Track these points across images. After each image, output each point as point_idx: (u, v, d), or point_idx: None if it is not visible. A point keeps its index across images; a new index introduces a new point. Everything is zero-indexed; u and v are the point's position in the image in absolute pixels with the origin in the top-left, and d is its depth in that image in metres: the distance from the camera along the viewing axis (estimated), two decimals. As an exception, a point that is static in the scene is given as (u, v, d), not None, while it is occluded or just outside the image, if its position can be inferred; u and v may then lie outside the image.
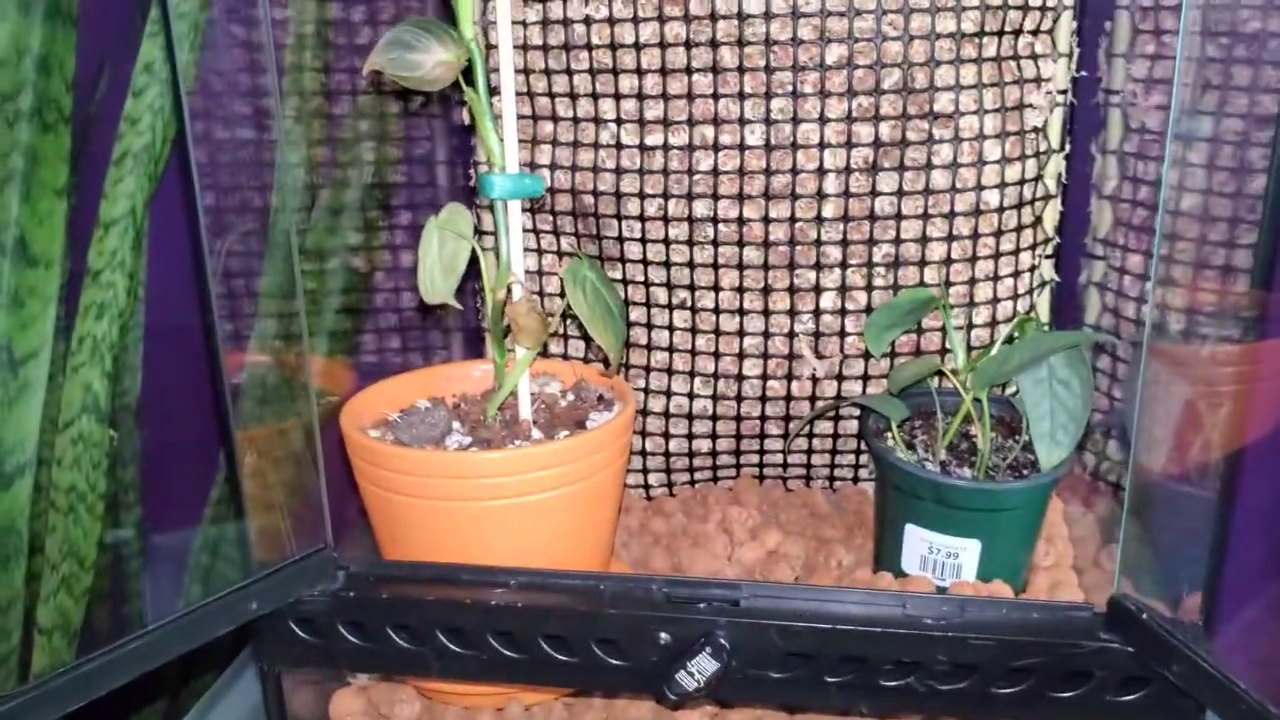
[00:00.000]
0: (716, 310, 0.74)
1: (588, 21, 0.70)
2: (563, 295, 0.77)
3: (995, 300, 0.74)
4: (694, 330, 0.75)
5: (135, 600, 0.85)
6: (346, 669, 0.63)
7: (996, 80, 0.70)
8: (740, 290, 0.73)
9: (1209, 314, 0.61)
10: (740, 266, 0.72)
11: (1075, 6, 0.72)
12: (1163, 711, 0.50)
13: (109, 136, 0.73)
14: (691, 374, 0.77)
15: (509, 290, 0.62)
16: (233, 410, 0.59)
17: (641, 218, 0.73)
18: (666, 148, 0.71)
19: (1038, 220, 0.75)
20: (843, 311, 0.73)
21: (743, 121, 0.69)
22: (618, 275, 0.76)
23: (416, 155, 0.84)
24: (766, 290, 0.73)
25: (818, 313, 0.73)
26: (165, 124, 0.72)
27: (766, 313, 0.73)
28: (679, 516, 0.78)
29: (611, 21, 0.70)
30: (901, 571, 0.67)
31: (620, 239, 0.74)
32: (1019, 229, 0.74)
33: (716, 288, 0.73)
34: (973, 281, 0.73)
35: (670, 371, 0.77)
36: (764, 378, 0.75)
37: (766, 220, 0.71)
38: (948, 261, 0.72)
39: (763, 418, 0.77)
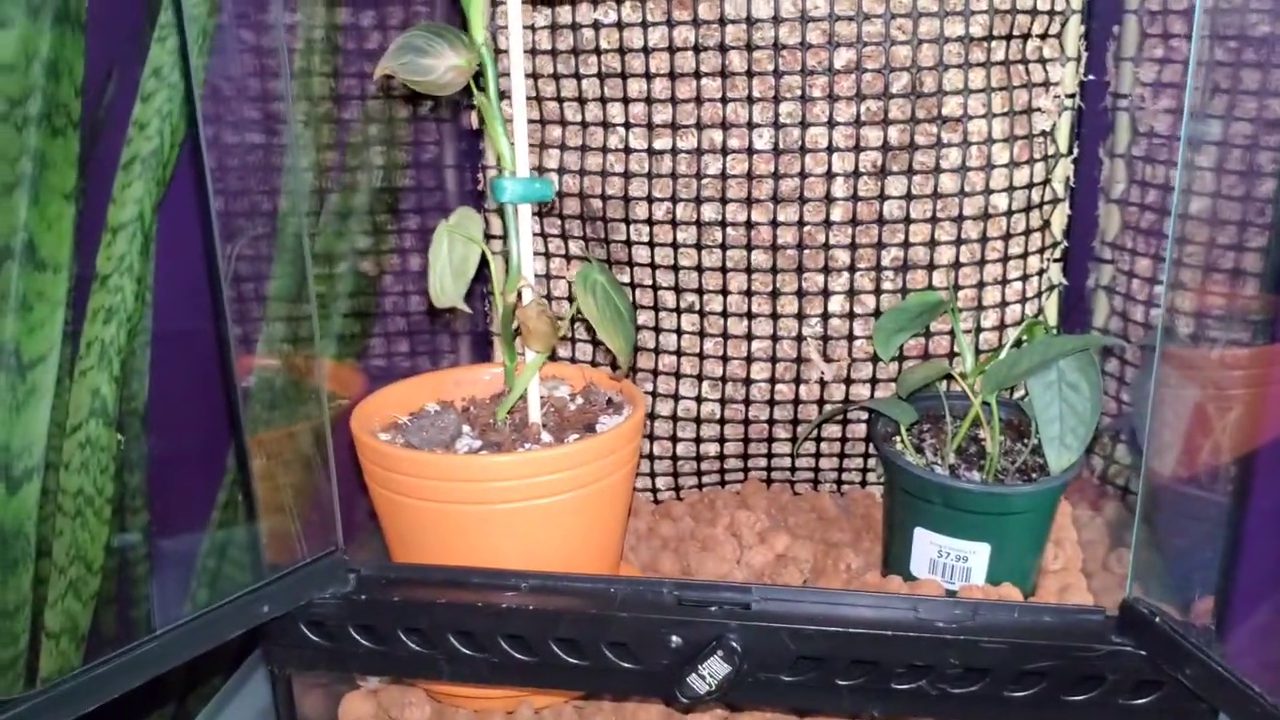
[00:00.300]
0: (724, 314, 0.74)
1: (596, 26, 0.70)
2: (570, 299, 0.77)
3: (1003, 304, 0.74)
4: (702, 334, 0.75)
5: (142, 604, 0.85)
6: (357, 672, 0.63)
7: (1005, 84, 0.70)
8: (748, 294, 0.73)
9: (1220, 317, 0.61)
10: (748, 270, 0.73)
11: (1083, 11, 0.72)
12: (1175, 715, 0.50)
13: (117, 141, 0.73)
14: (699, 377, 0.77)
15: (519, 294, 0.62)
16: (245, 414, 0.59)
17: (649, 221, 0.73)
18: (675, 151, 0.71)
19: (1046, 224, 0.75)
20: (851, 315, 0.73)
21: (751, 125, 0.69)
22: (625, 279, 0.76)
23: (425, 159, 0.84)
24: (774, 294, 0.73)
25: (826, 316, 0.73)
26: (174, 129, 0.73)
27: (774, 316, 0.73)
28: (687, 520, 0.78)
29: (620, 26, 0.70)
30: (911, 575, 0.67)
31: (628, 242, 0.75)
32: (1027, 233, 0.74)
33: (724, 291, 0.74)
34: (981, 285, 0.73)
35: (678, 375, 0.77)
36: (772, 381, 0.75)
37: (774, 224, 0.71)
38: (956, 265, 0.72)
39: (770, 421, 0.77)
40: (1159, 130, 0.72)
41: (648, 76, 0.70)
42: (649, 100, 0.71)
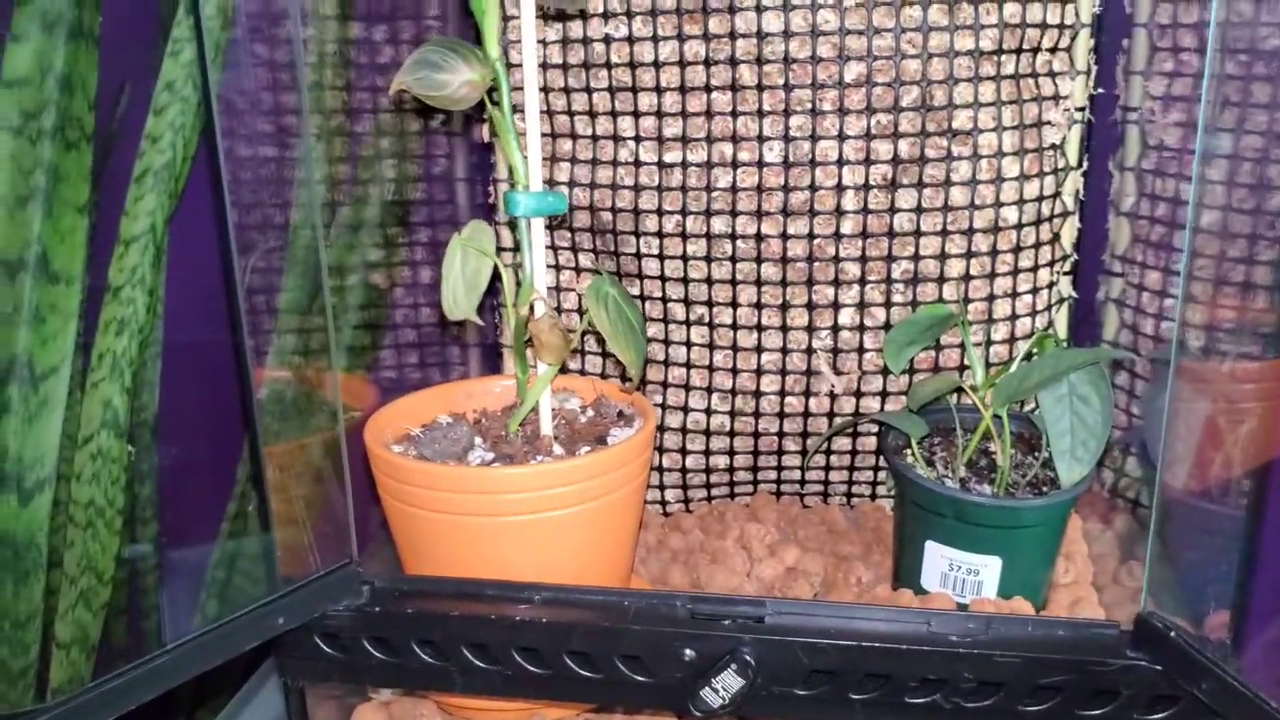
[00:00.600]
0: (734, 326, 0.74)
1: (607, 40, 0.71)
2: (580, 312, 0.78)
3: (1014, 317, 0.74)
4: (711, 346, 0.76)
5: (152, 615, 0.85)
6: (371, 684, 0.63)
7: (1015, 98, 0.70)
8: (758, 306, 0.73)
9: (1233, 330, 0.62)
10: (758, 283, 0.73)
11: (1093, 25, 0.73)
12: (1191, 729, 0.50)
13: (129, 154, 0.74)
14: (709, 390, 0.77)
15: (531, 307, 0.63)
16: (261, 425, 0.59)
17: (659, 234, 0.73)
18: (685, 165, 0.71)
19: (1056, 237, 0.75)
20: (861, 328, 0.73)
21: (761, 139, 0.70)
22: (635, 291, 0.76)
23: (435, 172, 0.84)
24: (784, 306, 0.73)
25: (836, 329, 0.73)
26: (186, 142, 0.73)
27: (784, 329, 0.74)
28: (696, 533, 0.78)
29: (631, 40, 0.70)
30: (921, 589, 0.67)
31: (638, 255, 0.75)
32: (1037, 246, 0.74)
33: (734, 304, 0.74)
34: (991, 298, 0.73)
35: (688, 388, 0.77)
36: (782, 394, 0.75)
37: (785, 237, 0.71)
38: (966, 278, 0.72)
39: (780, 434, 0.77)
40: (1169, 143, 0.72)
41: (658, 90, 0.71)
42: (659, 114, 0.71)
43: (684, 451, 0.79)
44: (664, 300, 0.76)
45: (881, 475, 0.80)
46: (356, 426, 0.64)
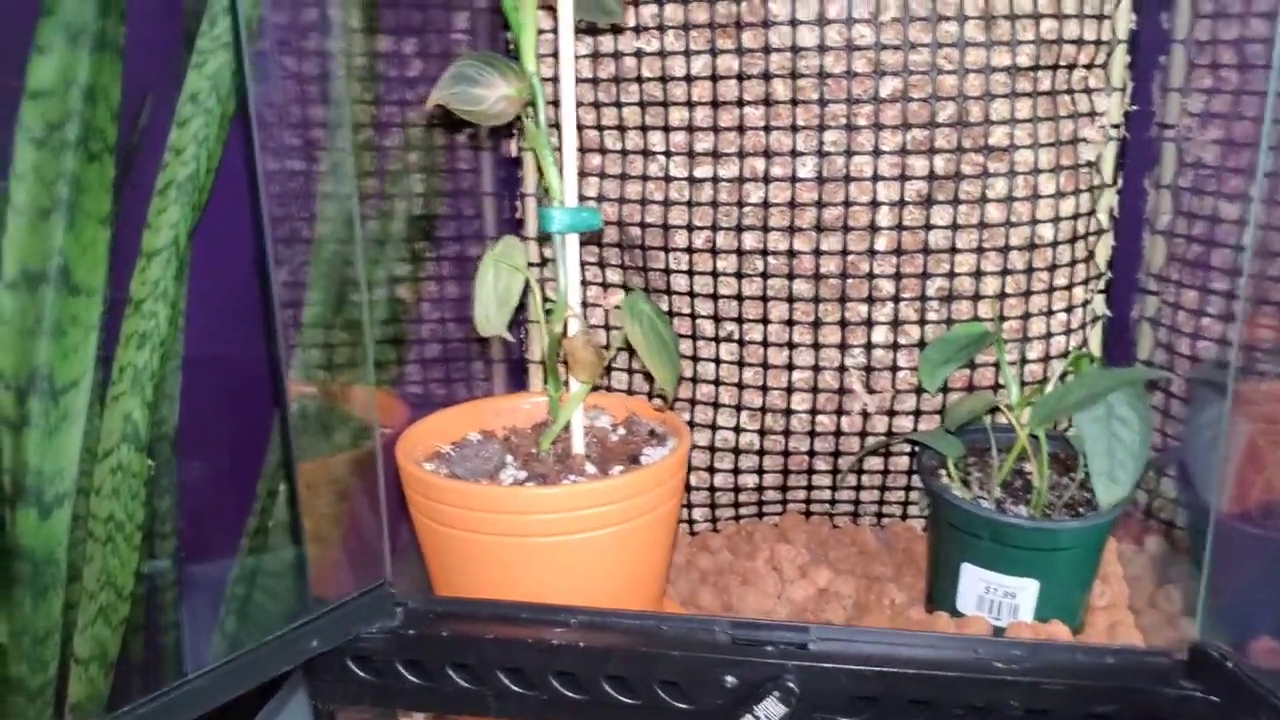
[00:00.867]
0: (764, 343, 0.73)
1: (639, 54, 0.70)
2: (608, 327, 0.77)
3: (1048, 335, 0.73)
4: (741, 364, 0.75)
5: (171, 631, 0.84)
6: (403, 708, 0.61)
7: (1051, 114, 0.69)
8: (789, 323, 0.72)
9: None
10: (790, 299, 0.72)
11: (1129, 41, 0.72)
12: (1246, 762, 0.49)
13: (151, 166, 0.73)
14: (738, 408, 0.76)
15: (565, 324, 0.62)
16: (294, 442, 0.58)
17: (689, 249, 0.73)
18: (716, 180, 0.71)
19: (1090, 255, 0.74)
20: (895, 346, 0.72)
21: (794, 154, 0.69)
22: (664, 307, 0.75)
23: (463, 187, 0.83)
24: (816, 324, 0.72)
25: (869, 346, 0.72)
26: (210, 154, 0.72)
27: (816, 346, 0.73)
28: (725, 553, 0.76)
29: (663, 54, 0.69)
30: (957, 611, 0.66)
31: (667, 271, 0.74)
32: (1072, 263, 0.73)
33: (765, 320, 0.73)
34: (1026, 316, 0.72)
35: (716, 405, 0.76)
36: (812, 412, 0.74)
37: (817, 253, 0.70)
38: (1002, 295, 0.71)
39: (810, 453, 0.76)
40: (1206, 161, 0.71)
41: (689, 104, 0.70)
42: (690, 128, 0.70)
43: (712, 470, 0.78)
44: (693, 316, 0.75)
45: (913, 495, 0.79)
46: (384, 443, 0.63)
